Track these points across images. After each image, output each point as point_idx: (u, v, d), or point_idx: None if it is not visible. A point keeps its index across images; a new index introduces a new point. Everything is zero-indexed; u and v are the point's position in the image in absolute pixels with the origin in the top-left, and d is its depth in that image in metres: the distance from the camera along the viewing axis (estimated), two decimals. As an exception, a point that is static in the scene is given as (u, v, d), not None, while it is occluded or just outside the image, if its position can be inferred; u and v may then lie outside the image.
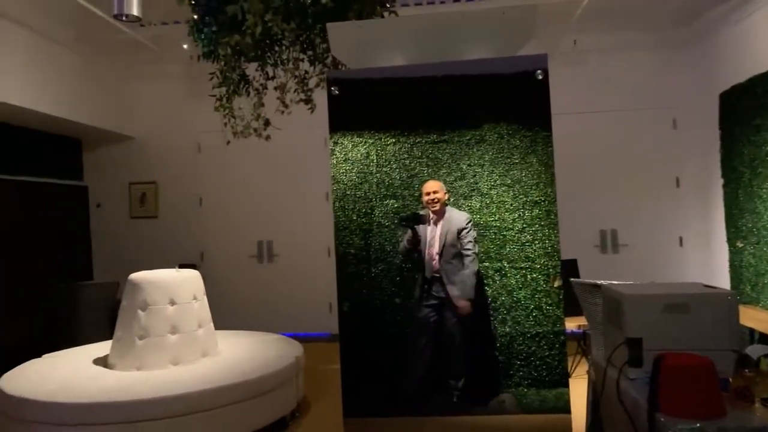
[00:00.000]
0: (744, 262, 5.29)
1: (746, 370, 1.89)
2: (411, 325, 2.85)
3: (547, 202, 2.76)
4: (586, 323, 4.19)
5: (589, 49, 6.40)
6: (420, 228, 2.83)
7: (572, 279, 3.43)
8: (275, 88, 4.20)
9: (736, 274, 5.45)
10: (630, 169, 6.42)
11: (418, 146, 2.86)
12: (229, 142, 4.35)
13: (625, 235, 6.44)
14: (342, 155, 2.90)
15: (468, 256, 2.78)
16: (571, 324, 4.63)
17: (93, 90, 6.44)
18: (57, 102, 5.80)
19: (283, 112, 4.18)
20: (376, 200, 2.88)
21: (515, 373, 2.77)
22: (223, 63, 3.97)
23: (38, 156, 6.54)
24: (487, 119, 2.81)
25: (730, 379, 1.90)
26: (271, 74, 4.23)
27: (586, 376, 2.95)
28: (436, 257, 2.81)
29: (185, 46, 5.47)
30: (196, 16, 3.88)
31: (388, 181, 2.87)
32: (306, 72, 4.25)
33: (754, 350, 2.08)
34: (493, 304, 2.79)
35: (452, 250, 2.80)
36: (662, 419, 1.75)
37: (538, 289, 2.76)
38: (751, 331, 4.39)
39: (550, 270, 2.75)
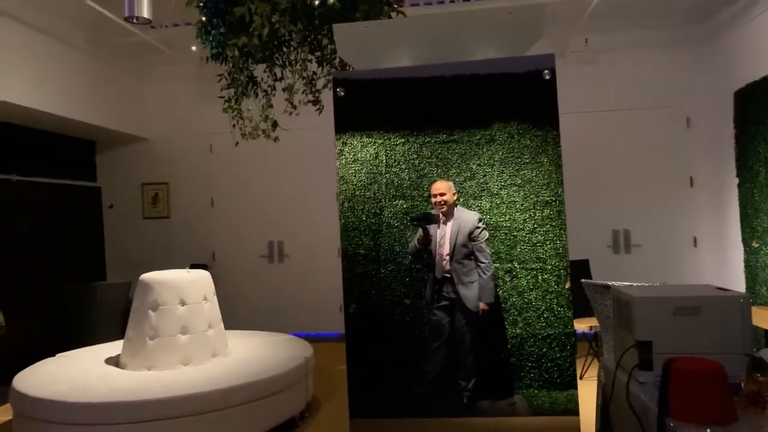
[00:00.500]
0: (759, 263, 5.21)
1: (758, 375, 1.85)
2: (420, 326, 2.84)
3: (557, 202, 2.74)
4: (597, 324, 4.15)
5: (601, 48, 6.34)
6: (430, 228, 2.82)
7: (583, 280, 3.40)
8: (283, 90, 4.21)
9: (752, 275, 5.36)
10: (643, 169, 6.35)
11: (427, 146, 2.85)
12: (237, 144, 4.37)
13: (638, 236, 6.36)
14: (351, 156, 2.89)
15: (483, 262, 2.76)
16: (583, 325, 4.59)
17: (107, 92, 6.51)
18: (72, 105, 5.87)
19: (291, 113, 4.19)
20: (385, 201, 2.87)
21: (526, 374, 2.75)
22: (231, 65, 3.98)
23: (53, 158, 6.62)
24: (497, 119, 2.80)
25: (742, 384, 1.87)
26: (279, 75, 4.24)
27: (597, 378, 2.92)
28: (447, 258, 2.80)
29: (194, 48, 5.50)
30: (204, 18, 3.90)
31: (397, 182, 2.87)
32: (314, 73, 4.26)
33: (767, 353, 2.04)
34: (503, 305, 2.77)
35: (463, 251, 2.78)
36: (672, 424, 1.72)
37: (549, 290, 2.74)
38: (766, 332, 4.32)
39: (561, 271, 2.73)
